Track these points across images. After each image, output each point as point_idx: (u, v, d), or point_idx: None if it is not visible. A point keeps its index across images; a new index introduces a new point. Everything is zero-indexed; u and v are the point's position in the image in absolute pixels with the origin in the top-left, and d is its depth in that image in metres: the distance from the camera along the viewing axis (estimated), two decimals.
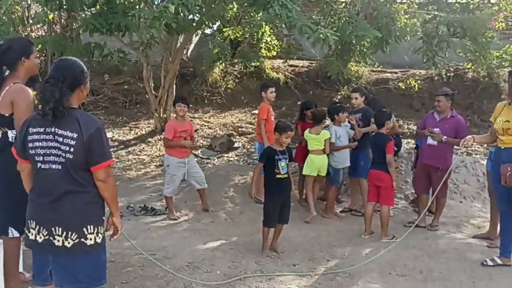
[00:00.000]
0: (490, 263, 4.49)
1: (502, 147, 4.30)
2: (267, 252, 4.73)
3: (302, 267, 4.43)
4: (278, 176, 4.67)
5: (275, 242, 4.83)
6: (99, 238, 2.59)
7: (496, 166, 4.38)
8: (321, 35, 6.08)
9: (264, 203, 4.84)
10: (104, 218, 2.68)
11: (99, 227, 2.60)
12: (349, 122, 6.19)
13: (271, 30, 11.74)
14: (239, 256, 4.60)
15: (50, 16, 8.23)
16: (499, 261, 4.48)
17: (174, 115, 6.41)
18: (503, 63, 11.85)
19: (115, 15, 6.65)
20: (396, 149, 6.58)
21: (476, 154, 8.90)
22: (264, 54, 11.63)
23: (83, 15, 7.64)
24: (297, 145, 6.82)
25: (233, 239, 5.12)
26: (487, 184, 5.71)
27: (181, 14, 5.81)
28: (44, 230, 2.50)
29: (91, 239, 2.54)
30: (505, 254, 4.48)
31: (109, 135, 9.84)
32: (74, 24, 10.05)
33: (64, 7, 7.08)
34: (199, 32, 10.03)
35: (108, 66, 9.93)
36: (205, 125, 10.74)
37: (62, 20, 11.39)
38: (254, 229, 5.49)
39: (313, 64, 13.08)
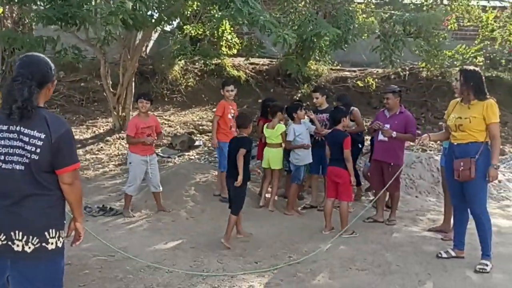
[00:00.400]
0: (444, 255, 4.64)
1: (455, 143, 4.45)
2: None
3: (264, 264, 4.44)
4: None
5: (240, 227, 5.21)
6: (60, 242, 2.48)
7: (449, 162, 4.53)
8: (279, 36, 6.12)
9: (243, 192, 5.05)
10: (65, 222, 2.57)
11: (61, 231, 2.49)
12: (308, 117, 6.29)
13: (232, 28, 11.72)
14: (201, 255, 4.56)
15: (0, 10, 7.88)
16: (453, 253, 4.64)
17: (137, 112, 6.27)
18: (455, 63, 12.35)
19: (70, 7, 6.45)
20: (360, 146, 6.72)
21: (430, 150, 9.22)
22: (225, 52, 11.60)
23: (35, 7, 7.34)
24: (258, 142, 6.85)
25: (194, 238, 5.07)
26: (441, 179, 5.91)
27: (139, 10, 5.69)
28: (2, 235, 2.36)
29: (52, 243, 2.42)
30: (459, 247, 4.65)
31: None
32: (27, 19, 9.65)
33: (15, 0, 6.80)
34: (159, 29, 9.89)
35: (63, 63, 9.59)
36: (165, 124, 10.59)
37: (14, 15, 10.94)
38: (215, 227, 5.47)
39: (274, 62, 13.16)
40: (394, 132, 5.58)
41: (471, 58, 12.24)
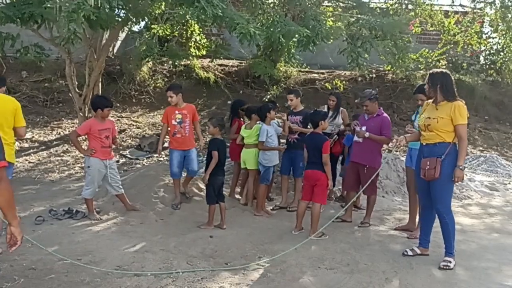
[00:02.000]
0: (410, 253, 4.76)
1: (424, 143, 4.56)
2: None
3: (234, 265, 4.43)
4: None
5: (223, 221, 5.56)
6: None
7: (419, 161, 4.63)
8: (246, 32, 6.13)
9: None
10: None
11: None
12: (280, 118, 6.36)
13: (201, 29, 11.69)
14: (170, 256, 4.51)
15: None
16: (418, 251, 4.76)
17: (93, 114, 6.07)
18: (419, 66, 12.72)
19: (29, 5, 6.27)
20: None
21: (396, 151, 9.43)
22: (194, 53, 11.54)
23: None
24: (230, 142, 6.83)
25: (163, 240, 5.02)
26: (406, 179, 6.05)
27: (102, 7, 5.56)
28: None
29: None
30: (424, 245, 4.78)
31: (28, 135, 9.27)
32: None
33: None
34: (126, 28, 9.74)
35: (25, 62, 9.33)
36: (133, 125, 10.46)
37: None
38: (185, 229, 5.43)
39: (243, 64, 13.18)
40: (367, 133, 5.66)
41: (435, 62, 12.65)
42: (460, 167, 4.33)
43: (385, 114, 5.96)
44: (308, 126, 6.11)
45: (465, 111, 4.41)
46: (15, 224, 2.52)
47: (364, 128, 5.76)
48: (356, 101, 6.38)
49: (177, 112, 6.24)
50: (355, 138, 5.86)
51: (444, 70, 4.68)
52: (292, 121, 6.41)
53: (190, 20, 9.26)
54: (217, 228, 5.48)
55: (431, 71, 4.68)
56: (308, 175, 5.47)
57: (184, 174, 6.54)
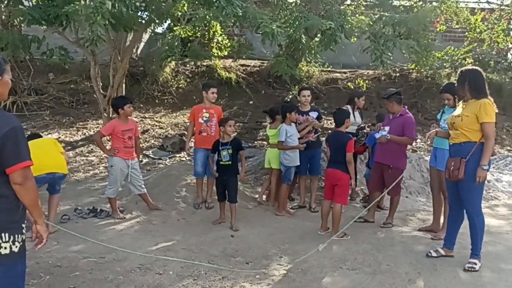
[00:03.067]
0: (434, 254, 4.68)
1: (451, 143, 4.46)
2: (218, 220, 5.70)
3: (255, 264, 4.44)
4: (220, 163, 5.58)
5: (233, 220, 5.53)
6: (16, 247, 2.40)
7: (447, 162, 4.54)
8: (268, 32, 6.12)
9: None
10: (24, 225, 2.48)
11: (17, 235, 2.40)
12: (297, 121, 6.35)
13: (223, 30, 11.73)
14: (192, 256, 4.55)
15: None
16: (442, 252, 4.67)
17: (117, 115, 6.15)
18: (444, 64, 12.48)
19: (55, 7, 6.41)
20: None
21: (420, 151, 9.29)
22: (216, 54, 11.60)
23: (21, 7, 7.28)
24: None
25: (185, 239, 5.06)
26: (430, 179, 5.94)
27: (119, 9, 5.64)
28: None
29: (6, 248, 2.35)
30: (448, 246, 4.68)
31: (55, 136, 9.49)
32: (16, 21, 9.58)
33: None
34: (149, 30, 9.86)
35: (52, 64, 9.52)
36: (156, 125, 10.57)
37: (3, 16, 10.85)
38: (206, 228, 5.47)
39: (265, 64, 13.18)
40: (388, 135, 5.58)
41: (460, 60, 12.39)
42: (483, 167, 4.19)
43: (409, 114, 5.83)
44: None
45: (492, 109, 4.24)
46: (40, 223, 2.57)
47: (387, 128, 5.67)
48: (383, 97, 6.27)
49: (204, 110, 6.30)
50: (377, 139, 5.77)
51: (474, 68, 4.50)
52: (301, 121, 6.38)
53: (212, 21, 9.31)
54: (239, 228, 5.48)
55: (461, 69, 4.54)
56: (329, 174, 5.42)
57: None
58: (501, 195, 7.59)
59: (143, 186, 5.96)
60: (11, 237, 2.38)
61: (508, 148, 10.65)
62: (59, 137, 9.53)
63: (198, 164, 6.24)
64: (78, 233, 4.06)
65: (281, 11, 7.57)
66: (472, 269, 4.32)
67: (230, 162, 5.55)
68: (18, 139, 2.37)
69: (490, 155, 4.28)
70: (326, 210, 5.48)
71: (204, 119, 6.26)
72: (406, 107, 5.89)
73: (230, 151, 5.54)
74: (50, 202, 5.25)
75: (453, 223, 4.66)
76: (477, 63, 12.39)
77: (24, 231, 2.48)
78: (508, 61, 13.67)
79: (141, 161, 7.92)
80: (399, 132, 5.62)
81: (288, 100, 10.89)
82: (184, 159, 8.59)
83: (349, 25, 7.31)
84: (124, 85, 9.44)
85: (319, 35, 7.02)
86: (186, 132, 9.88)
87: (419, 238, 5.35)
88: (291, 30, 6.76)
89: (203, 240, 5.04)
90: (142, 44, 13.57)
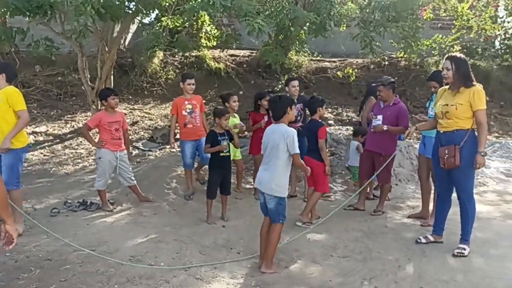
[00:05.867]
0: (423, 240, 4.73)
1: (441, 131, 4.47)
2: (211, 219, 5.36)
3: (246, 254, 4.45)
4: (221, 154, 5.38)
5: (224, 211, 5.51)
6: None
7: (436, 150, 4.55)
8: (251, 28, 6.10)
9: (208, 178, 5.54)
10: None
11: None
12: None
13: (211, 20, 11.64)
14: (183, 247, 4.55)
15: None
16: (431, 238, 4.73)
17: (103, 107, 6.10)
18: (432, 52, 12.52)
19: None
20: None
21: (409, 138, 9.34)
22: (204, 44, 11.51)
23: None
24: (252, 137, 6.76)
25: (176, 230, 5.06)
26: (418, 167, 5.98)
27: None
28: None
29: None
30: (438, 232, 4.74)
31: (43, 128, 9.39)
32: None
33: None
34: (137, 21, 9.75)
35: (38, 57, 9.37)
36: (145, 117, 10.50)
37: None
38: (197, 219, 5.47)
39: (254, 54, 13.12)
40: (385, 126, 5.58)
41: (448, 47, 12.43)
42: (482, 153, 4.24)
43: (402, 103, 5.86)
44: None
45: (483, 96, 4.31)
46: (10, 222, 2.53)
47: (380, 117, 5.68)
48: (373, 84, 6.28)
49: (186, 102, 6.26)
50: (372, 128, 5.79)
51: (463, 55, 4.52)
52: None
53: (200, 12, 9.24)
54: (230, 219, 5.49)
55: (452, 56, 4.49)
56: (305, 161, 5.46)
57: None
58: (489, 181, 7.67)
59: (132, 178, 5.94)
60: None
61: (496, 134, 10.77)
62: (47, 130, 9.44)
63: (187, 156, 6.23)
64: (53, 228, 4.04)
65: (267, 2, 7.52)
66: (461, 254, 4.38)
67: (229, 154, 5.50)
68: None
69: (485, 141, 4.32)
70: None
71: (188, 111, 6.23)
72: (397, 95, 5.91)
73: (228, 141, 5.44)
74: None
75: (442, 210, 4.72)
76: (465, 50, 12.45)
77: None
78: (496, 48, 13.75)
79: (131, 153, 7.88)
80: (393, 121, 5.63)
81: (278, 89, 10.86)
82: (174, 150, 8.56)
83: (337, 13, 7.28)
84: (112, 77, 9.35)
85: (308, 24, 6.98)
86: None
87: (408, 225, 5.41)
88: (278, 20, 6.73)
89: (194, 231, 5.04)
90: (130, 35, 13.42)
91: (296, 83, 6.51)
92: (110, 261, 4.08)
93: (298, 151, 3.96)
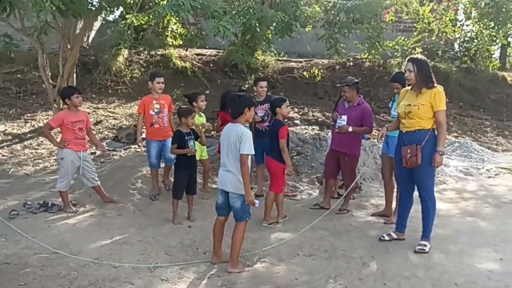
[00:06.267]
0: (386, 238, 4.84)
1: (404, 131, 4.58)
2: (178, 219, 5.31)
3: (213, 254, 4.42)
4: (188, 154, 5.33)
5: (190, 212, 5.47)
6: None
7: (398, 149, 4.65)
8: (216, 30, 6.08)
9: (174, 178, 5.48)
10: None
11: None
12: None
13: (177, 19, 11.52)
14: (148, 248, 4.49)
15: None
16: (394, 236, 4.84)
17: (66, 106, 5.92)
18: (395, 54, 12.84)
19: None
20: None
21: (373, 138, 9.52)
22: (170, 43, 11.38)
23: None
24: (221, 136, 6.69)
25: (141, 231, 4.98)
26: (382, 166, 6.11)
27: None
28: None
29: None
30: (400, 229, 4.86)
31: (1, 128, 9.07)
32: None
33: None
34: (101, 18, 9.54)
35: None
36: (110, 116, 10.30)
37: None
38: (163, 219, 5.40)
39: (221, 53, 13.09)
40: (350, 127, 5.66)
41: (410, 50, 12.78)
42: (440, 152, 4.38)
43: (366, 104, 5.96)
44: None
45: (444, 97, 4.45)
46: None
47: (345, 117, 5.76)
48: (337, 85, 6.35)
49: (154, 102, 6.14)
50: (336, 127, 5.85)
51: (424, 57, 4.64)
52: (261, 109, 6.36)
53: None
54: (196, 219, 5.45)
55: (414, 58, 4.58)
56: (266, 162, 5.53)
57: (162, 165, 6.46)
58: (449, 179, 7.91)
59: (96, 178, 5.81)
60: None
61: (455, 134, 11.14)
62: (6, 129, 9.12)
63: (152, 156, 6.14)
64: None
65: (234, 1, 7.50)
66: (422, 251, 4.50)
67: (194, 153, 5.46)
68: None
69: (444, 141, 4.47)
70: (278, 198, 5.54)
71: (155, 110, 6.09)
72: (361, 96, 6.01)
73: (194, 140, 5.40)
74: None
75: (404, 208, 4.84)
76: (426, 52, 12.85)
77: None
78: (455, 50, 14.24)
79: (94, 153, 7.71)
80: (358, 121, 5.72)
81: (244, 89, 10.87)
82: (139, 150, 8.42)
83: (303, 15, 7.35)
84: (75, 75, 9.10)
85: (274, 24, 7.01)
86: None
87: (372, 223, 5.52)
88: (244, 19, 6.72)
89: (159, 232, 4.98)
90: (93, 33, 13.13)
91: (264, 83, 6.53)
92: (72, 264, 3.98)
93: (247, 152, 3.92)
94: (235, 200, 4.03)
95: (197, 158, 5.75)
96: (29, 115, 10.04)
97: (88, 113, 6.64)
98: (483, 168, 8.71)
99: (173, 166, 5.87)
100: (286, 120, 6.06)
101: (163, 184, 6.47)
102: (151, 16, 9.39)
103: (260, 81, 6.59)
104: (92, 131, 5.95)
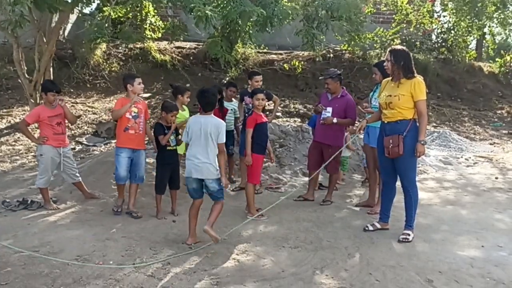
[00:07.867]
0: (371, 228, 4.88)
1: (386, 121, 4.62)
2: (161, 214, 5.32)
3: (197, 246, 4.40)
4: (168, 148, 5.35)
5: (174, 206, 5.48)
6: None
7: (381, 140, 4.69)
8: (201, 15, 6.01)
9: (156, 173, 5.46)
10: None
11: None
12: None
13: (156, 11, 11.36)
14: (132, 243, 4.43)
15: None
16: (378, 226, 4.89)
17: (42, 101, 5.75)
18: (374, 45, 12.92)
19: None
20: None
21: (362, 132, 9.59)
22: (149, 35, 11.22)
23: None
24: None
25: (125, 227, 4.91)
26: (365, 157, 6.16)
27: None
28: None
29: None
30: (384, 219, 4.90)
31: None
32: None
33: None
34: (77, 11, 9.33)
35: None
36: (89, 111, 10.13)
37: None
38: (146, 215, 5.34)
39: (201, 46, 12.96)
40: (335, 119, 5.69)
41: (389, 41, 12.88)
42: (422, 142, 4.43)
43: (349, 96, 6.00)
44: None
45: (424, 87, 4.50)
46: None
47: (329, 109, 5.78)
48: (320, 78, 6.40)
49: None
50: (321, 119, 5.85)
51: (404, 48, 4.70)
52: (249, 102, 6.36)
53: (144, 2, 8.97)
54: (181, 213, 5.40)
55: (392, 48, 4.67)
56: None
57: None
58: (429, 169, 8.04)
59: (77, 174, 5.70)
60: None
61: (434, 124, 11.30)
62: None
63: (122, 166, 5.30)
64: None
65: None
66: (406, 240, 4.55)
67: (175, 147, 5.43)
68: None
69: (425, 130, 4.52)
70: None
71: (133, 114, 5.35)
72: (344, 88, 6.03)
73: (174, 135, 5.38)
74: None
75: (387, 198, 4.89)
76: (404, 43, 12.95)
77: None
78: (433, 41, 14.40)
79: (74, 148, 7.58)
80: (341, 113, 5.76)
81: (225, 81, 10.80)
82: None
83: (282, 11, 7.33)
84: (51, 69, 8.92)
85: (254, 17, 6.97)
86: None
87: (356, 214, 5.56)
88: (225, 12, 6.67)
89: (143, 227, 4.92)
90: (69, 26, 12.84)
91: (259, 77, 6.60)
92: (55, 262, 3.90)
93: (224, 140, 4.38)
94: (211, 184, 4.39)
95: (181, 152, 5.66)
96: (4, 110, 9.80)
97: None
98: (462, 157, 8.88)
99: (154, 161, 5.75)
100: (268, 112, 6.05)
101: (145, 179, 6.37)
102: (128, 8, 9.26)
103: (256, 75, 6.66)
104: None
